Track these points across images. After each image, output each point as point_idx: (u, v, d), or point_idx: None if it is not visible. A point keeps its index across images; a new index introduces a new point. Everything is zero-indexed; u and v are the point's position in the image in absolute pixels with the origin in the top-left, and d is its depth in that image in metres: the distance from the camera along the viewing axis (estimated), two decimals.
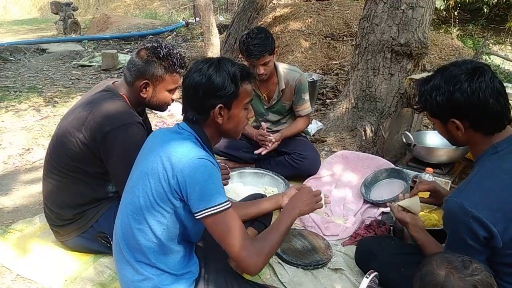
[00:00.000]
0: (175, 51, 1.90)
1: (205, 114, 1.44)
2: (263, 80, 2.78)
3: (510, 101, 1.58)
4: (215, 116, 1.44)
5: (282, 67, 2.84)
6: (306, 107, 2.92)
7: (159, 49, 1.86)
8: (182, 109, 1.51)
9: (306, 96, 2.89)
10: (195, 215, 1.35)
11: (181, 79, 1.86)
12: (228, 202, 1.37)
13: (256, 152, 2.79)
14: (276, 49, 2.71)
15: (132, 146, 1.72)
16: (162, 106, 2.00)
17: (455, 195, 1.35)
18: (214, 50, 5.32)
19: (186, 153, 1.35)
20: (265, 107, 2.96)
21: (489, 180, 1.34)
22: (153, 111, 2.37)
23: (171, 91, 1.94)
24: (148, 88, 1.89)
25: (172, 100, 2.00)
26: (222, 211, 1.34)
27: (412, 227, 1.73)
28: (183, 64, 1.92)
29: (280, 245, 1.54)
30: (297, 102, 2.88)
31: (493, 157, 1.38)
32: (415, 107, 1.57)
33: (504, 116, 1.38)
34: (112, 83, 1.97)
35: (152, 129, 2.20)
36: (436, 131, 2.94)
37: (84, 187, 1.91)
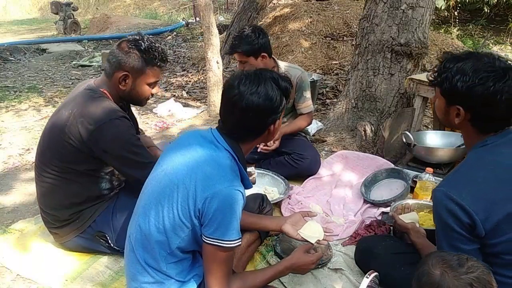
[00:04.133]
0: (156, 45, 1.89)
1: (261, 132, 1.47)
2: None
3: None
4: (274, 131, 1.47)
5: (284, 65, 2.84)
6: (308, 104, 2.89)
7: (140, 41, 1.85)
8: (225, 125, 1.48)
9: (308, 94, 2.87)
10: (204, 237, 1.36)
11: (161, 73, 1.87)
12: (239, 240, 1.38)
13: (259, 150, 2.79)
14: (263, 55, 2.63)
15: (121, 139, 1.77)
16: (141, 100, 1.97)
17: (441, 185, 1.38)
18: (214, 50, 5.29)
19: (221, 179, 1.35)
20: None
21: (473, 171, 1.37)
22: (137, 107, 2.35)
23: (151, 85, 1.92)
24: (127, 81, 1.87)
25: (152, 95, 1.97)
26: (231, 248, 1.36)
27: (414, 233, 1.78)
28: (164, 58, 1.90)
29: None
30: (299, 99, 2.86)
31: (481, 149, 1.41)
32: (430, 78, 1.54)
33: (503, 123, 1.40)
34: (93, 81, 1.95)
35: (152, 128, 2.20)
36: (436, 131, 2.97)
37: (77, 187, 1.90)
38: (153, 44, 1.87)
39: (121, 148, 1.81)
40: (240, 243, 1.38)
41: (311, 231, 1.77)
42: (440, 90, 1.47)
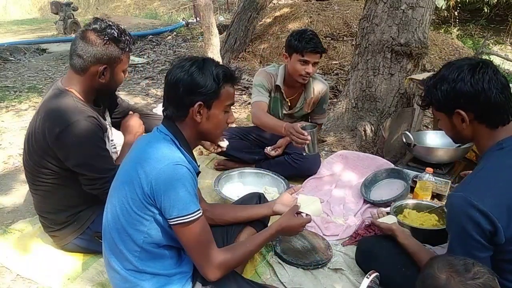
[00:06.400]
0: (122, 28, 1.86)
1: (183, 111, 1.43)
2: (301, 83, 2.70)
3: None
4: (194, 114, 1.42)
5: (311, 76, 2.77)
6: (325, 116, 3.03)
7: (109, 30, 1.79)
8: (163, 108, 1.50)
9: (326, 106, 2.96)
10: (169, 222, 1.36)
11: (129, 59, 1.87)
12: (200, 211, 1.38)
13: (267, 152, 2.81)
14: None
15: (86, 141, 1.73)
16: (116, 88, 1.97)
17: (460, 190, 1.35)
18: (214, 50, 5.31)
19: (160, 159, 1.34)
20: (285, 112, 2.87)
21: (494, 176, 1.34)
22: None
23: (125, 71, 1.90)
24: (106, 73, 1.82)
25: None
26: (194, 220, 1.35)
27: (400, 234, 1.76)
28: (134, 41, 1.88)
29: (249, 258, 1.59)
30: (318, 111, 2.92)
31: (498, 153, 1.39)
32: (420, 103, 1.59)
33: (508, 109, 1.39)
34: (60, 81, 1.89)
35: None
36: (436, 131, 2.96)
37: (69, 189, 1.89)
38: (121, 28, 1.83)
39: (82, 155, 1.77)
40: (201, 213, 1.37)
41: (308, 203, 1.84)
42: (434, 107, 1.49)
